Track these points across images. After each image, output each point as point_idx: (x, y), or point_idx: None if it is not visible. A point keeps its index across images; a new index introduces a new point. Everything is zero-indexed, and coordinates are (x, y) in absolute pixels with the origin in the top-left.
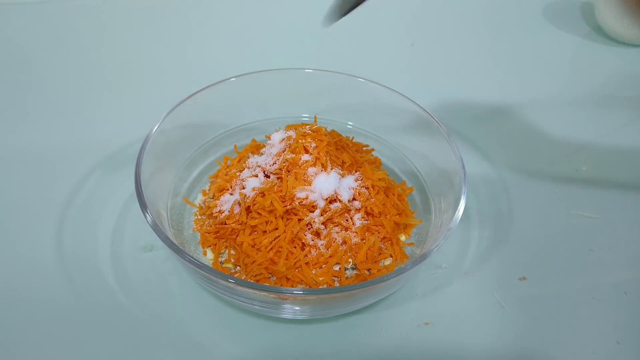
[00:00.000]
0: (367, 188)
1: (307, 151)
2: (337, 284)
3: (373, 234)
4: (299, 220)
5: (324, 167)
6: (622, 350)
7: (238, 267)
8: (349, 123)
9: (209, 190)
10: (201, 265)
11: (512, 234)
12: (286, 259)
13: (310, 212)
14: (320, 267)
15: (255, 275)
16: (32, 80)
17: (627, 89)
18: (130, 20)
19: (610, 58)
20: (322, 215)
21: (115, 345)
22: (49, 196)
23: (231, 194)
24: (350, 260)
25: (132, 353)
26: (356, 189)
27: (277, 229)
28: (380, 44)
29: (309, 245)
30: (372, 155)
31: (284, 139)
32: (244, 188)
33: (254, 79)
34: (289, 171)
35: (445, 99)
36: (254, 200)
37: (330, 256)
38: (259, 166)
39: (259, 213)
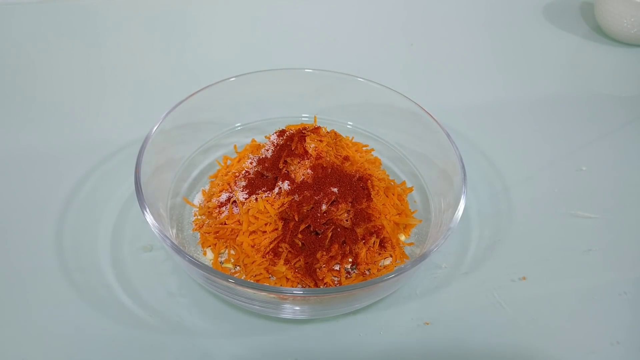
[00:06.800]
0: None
1: (306, 151)
2: (337, 284)
3: (373, 234)
4: (299, 220)
5: (323, 167)
6: (621, 349)
7: (238, 267)
8: (349, 123)
9: (208, 190)
10: (201, 265)
11: (512, 234)
12: (286, 259)
13: (310, 212)
14: (320, 267)
15: (255, 275)
16: (32, 80)
17: (627, 89)
18: (130, 20)
19: (610, 58)
20: (321, 215)
21: (116, 344)
22: (49, 196)
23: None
24: (350, 260)
25: (132, 353)
26: None
27: (276, 229)
28: (380, 44)
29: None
30: (372, 155)
31: (283, 139)
32: (240, 189)
33: (254, 79)
34: (287, 172)
35: (445, 99)
36: (249, 205)
37: (330, 256)
38: (257, 167)
39: (255, 217)
